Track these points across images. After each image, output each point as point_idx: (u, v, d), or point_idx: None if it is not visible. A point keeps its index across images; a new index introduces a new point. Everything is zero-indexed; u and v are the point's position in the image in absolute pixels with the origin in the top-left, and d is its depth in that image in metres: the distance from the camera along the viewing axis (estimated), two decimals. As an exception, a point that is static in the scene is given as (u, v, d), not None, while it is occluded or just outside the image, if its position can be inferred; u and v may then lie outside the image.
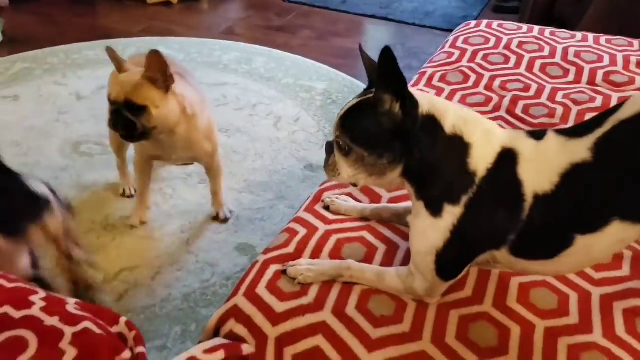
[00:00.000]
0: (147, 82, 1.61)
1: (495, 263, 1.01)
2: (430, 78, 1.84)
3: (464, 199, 0.93)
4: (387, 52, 0.87)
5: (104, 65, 3.08)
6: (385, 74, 0.90)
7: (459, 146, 0.94)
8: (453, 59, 1.95)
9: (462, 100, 1.71)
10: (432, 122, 0.94)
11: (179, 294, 1.79)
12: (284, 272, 1.10)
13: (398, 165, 0.96)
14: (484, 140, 0.95)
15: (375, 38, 3.68)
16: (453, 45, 2.06)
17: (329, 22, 3.83)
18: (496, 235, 0.95)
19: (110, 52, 1.67)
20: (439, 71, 1.88)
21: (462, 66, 1.90)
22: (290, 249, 1.16)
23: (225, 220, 2.09)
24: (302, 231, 1.21)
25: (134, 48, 3.28)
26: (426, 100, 0.96)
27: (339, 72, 3.11)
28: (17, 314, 0.96)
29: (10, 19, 3.49)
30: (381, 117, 0.93)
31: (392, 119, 0.93)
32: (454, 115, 0.95)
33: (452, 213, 0.94)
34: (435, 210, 0.96)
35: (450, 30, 3.76)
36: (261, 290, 1.07)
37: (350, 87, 2.96)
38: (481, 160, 0.93)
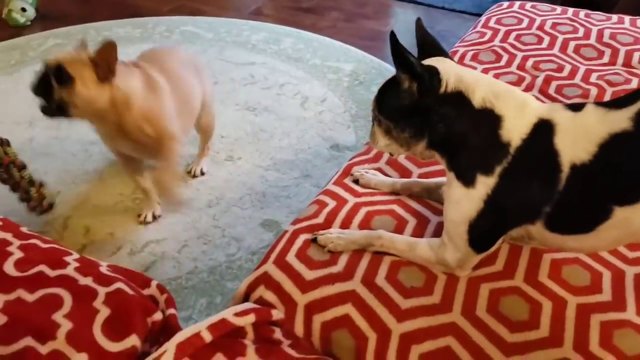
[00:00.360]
0: (89, 62, 1.59)
1: (530, 239, 1.00)
2: (462, 57, 1.82)
3: (498, 170, 0.94)
4: (392, 38, 0.93)
5: (133, 42, 3.12)
6: (396, 57, 0.95)
7: (490, 118, 0.95)
8: (485, 38, 1.93)
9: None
10: (458, 97, 0.96)
11: (205, 267, 1.81)
12: (314, 240, 1.11)
13: (422, 139, 1.00)
14: (518, 111, 0.95)
15: (404, 21, 3.64)
16: (485, 25, 2.03)
17: (357, 4, 3.80)
18: (531, 207, 0.94)
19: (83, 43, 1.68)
20: (470, 50, 1.86)
21: (495, 46, 1.87)
22: (320, 219, 1.17)
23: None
24: (332, 203, 1.21)
25: (163, 26, 3.30)
26: (454, 75, 0.97)
27: (366, 54, 3.08)
28: (52, 273, 0.98)
29: (43, -5, 3.53)
30: (401, 94, 0.98)
31: (410, 96, 0.97)
32: (484, 89, 0.96)
33: (485, 183, 0.94)
34: (467, 180, 0.96)
35: (480, 15, 3.74)
36: (291, 258, 1.08)
37: (378, 69, 2.94)
38: (515, 131, 0.94)
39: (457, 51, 1.86)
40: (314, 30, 3.34)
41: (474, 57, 1.80)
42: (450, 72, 0.98)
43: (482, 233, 0.98)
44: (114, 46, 1.58)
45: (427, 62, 1.03)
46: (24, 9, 3.23)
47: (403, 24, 3.55)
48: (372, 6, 3.77)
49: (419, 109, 0.98)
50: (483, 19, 2.10)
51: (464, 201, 0.97)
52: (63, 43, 3.08)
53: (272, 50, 3.10)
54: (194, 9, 3.58)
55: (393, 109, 1.02)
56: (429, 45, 1.09)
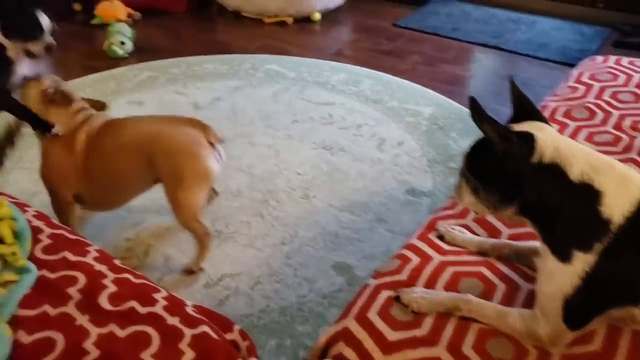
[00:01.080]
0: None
1: (633, 322, 0.94)
2: (553, 112, 1.77)
3: (598, 247, 0.90)
4: (472, 103, 0.95)
5: (221, 78, 3.25)
6: (480, 123, 0.95)
7: (588, 194, 0.92)
8: (578, 94, 1.87)
9: (589, 139, 1.63)
10: (554, 169, 0.94)
11: (276, 307, 1.81)
12: (397, 298, 1.09)
13: (510, 205, 0.98)
14: (619, 187, 0.92)
15: (485, 66, 3.60)
16: (578, 80, 1.97)
17: (438, 48, 3.80)
18: (635, 290, 0.89)
19: None
20: (562, 105, 1.80)
21: (588, 102, 1.81)
22: (403, 276, 1.15)
23: None
24: (415, 259, 1.19)
25: (249, 64, 3.42)
26: (551, 146, 0.95)
27: (446, 99, 3.06)
28: (142, 310, 1.01)
29: (141, 30, 3.75)
30: (491, 156, 0.97)
31: (501, 161, 0.96)
32: (582, 162, 0.94)
33: (583, 260, 0.91)
34: (563, 255, 0.93)
35: (566, 64, 3.64)
36: (372, 315, 1.06)
37: (457, 114, 2.91)
38: (616, 208, 0.91)
39: (547, 105, 1.82)
40: (393, 73, 3.36)
41: (566, 114, 1.75)
42: (548, 141, 0.96)
43: (577, 310, 0.94)
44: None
45: (524, 126, 1.01)
46: (123, 43, 3.45)
47: (484, 69, 3.52)
48: (453, 51, 3.76)
49: (509, 175, 0.96)
50: (575, 73, 2.04)
51: (559, 275, 0.93)
52: (156, 75, 3.25)
53: (351, 91, 3.14)
54: (279, 49, 3.70)
55: (482, 170, 1.01)
56: (525, 107, 1.08)
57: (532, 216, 0.99)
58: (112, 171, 1.85)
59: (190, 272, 1.94)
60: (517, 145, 0.94)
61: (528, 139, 0.96)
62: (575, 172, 0.93)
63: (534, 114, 1.06)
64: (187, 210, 1.84)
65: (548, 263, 0.96)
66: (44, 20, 2.16)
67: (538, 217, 0.97)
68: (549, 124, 1.05)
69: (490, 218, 1.31)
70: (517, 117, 1.07)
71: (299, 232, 2.13)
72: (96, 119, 1.88)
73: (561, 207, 0.94)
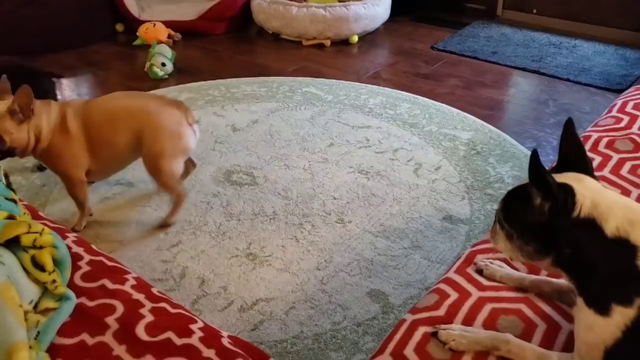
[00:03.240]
0: (7, 114, 1.90)
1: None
2: (596, 143, 1.73)
3: (638, 302, 0.89)
4: (533, 156, 0.93)
5: (259, 100, 3.30)
6: (533, 174, 0.95)
7: (624, 249, 0.92)
8: (622, 124, 1.82)
9: (632, 171, 1.58)
10: (591, 224, 0.93)
11: (310, 333, 1.80)
12: (434, 334, 1.07)
13: (546, 256, 0.99)
14: None
15: (525, 91, 3.55)
16: (621, 110, 1.92)
17: (477, 72, 3.77)
18: None
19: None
20: (605, 136, 1.76)
21: (633, 133, 1.76)
22: (441, 312, 1.13)
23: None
24: (453, 294, 1.17)
25: (286, 86, 3.46)
26: (590, 199, 0.95)
27: (485, 123, 3.03)
28: (178, 341, 1.02)
29: (180, 51, 3.85)
30: (531, 209, 0.96)
31: (540, 214, 0.95)
32: (619, 216, 0.93)
33: (623, 314, 0.90)
34: (601, 309, 0.92)
35: (608, 89, 3.57)
36: (409, 352, 1.05)
37: (496, 139, 2.87)
38: None
39: (590, 136, 1.77)
40: (431, 97, 3.35)
41: (609, 145, 1.71)
42: (587, 194, 0.95)
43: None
44: (28, 91, 1.90)
45: (564, 177, 0.99)
46: (163, 64, 3.53)
47: (523, 94, 3.47)
48: (492, 75, 3.73)
49: (547, 228, 0.96)
50: (619, 102, 1.99)
51: (598, 328, 0.92)
52: (195, 97, 3.32)
53: (388, 114, 3.14)
54: (316, 71, 3.73)
55: (519, 220, 1.01)
56: (574, 153, 1.05)
57: (567, 269, 0.98)
58: (108, 140, 2.12)
59: (165, 226, 2.27)
60: (562, 201, 0.94)
61: (568, 192, 0.95)
62: (611, 227, 0.92)
63: (580, 162, 1.04)
64: (169, 176, 2.19)
65: (585, 315, 0.94)
66: (56, 84, 2.62)
67: (574, 270, 0.97)
68: (594, 176, 1.03)
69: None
70: (564, 162, 1.05)
71: (334, 257, 2.12)
72: (69, 104, 2.14)
73: (597, 263, 0.93)
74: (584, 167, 1.04)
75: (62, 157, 2.10)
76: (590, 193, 0.96)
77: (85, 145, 2.09)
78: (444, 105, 3.24)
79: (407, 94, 3.39)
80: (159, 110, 2.14)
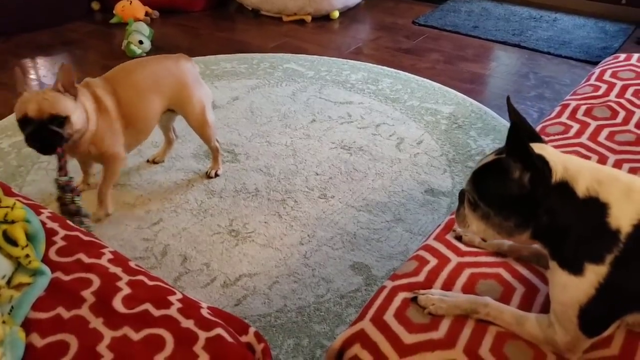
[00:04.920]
0: (60, 94, 1.80)
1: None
2: (574, 111, 1.73)
3: (609, 258, 0.91)
4: (514, 128, 0.93)
5: (239, 77, 3.26)
6: (515, 146, 0.94)
7: (595, 207, 0.93)
8: (600, 92, 1.83)
9: (610, 137, 1.59)
10: (564, 188, 0.94)
11: (294, 306, 1.81)
12: (414, 299, 1.07)
13: (525, 229, 0.98)
14: (625, 197, 0.93)
15: (506, 64, 3.55)
16: (599, 78, 1.93)
17: (458, 46, 3.76)
18: None
19: (19, 72, 1.85)
20: (583, 104, 1.76)
21: (610, 101, 1.77)
22: (420, 277, 1.13)
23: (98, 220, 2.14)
24: (433, 260, 1.17)
25: (267, 63, 3.42)
26: (560, 165, 0.96)
27: (466, 97, 3.03)
28: (156, 312, 1.01)
29: (158, 29, 3.78)
30: (510, 182, 0.95)
31: (520, 187, 0.95)
32: (588, 178, 0.94)
33: (595, 272, 0.91)
34: (574, 269, 0.93)
35: (588, 62, 3.58)
36: (389, 317, 1.05)
37: (477, 112, 2.87)
38: (624, 218, 0.91)
39: (569, 104, 1.78)
40: (413, 72, 3.33)
41: (587, 112, 1.71)
42: (557, 161, 0.96)
43: (594, 318, 0.94)
44: (70, 68, 1.82)
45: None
46: (141, 42, 3.47)
47: (505, 67, 3.46)
48: (473, 49, 3.72)
49: (527, 199, 0.95)
50: (597, 71, 1.99)
51: (573, 287, 0.93)
52: (173, 75, 3.26)
53: (370, 90, 3.12)
54: (297, 47, 3.69)
55: (497, 197, 0.99)
56: (525, 127, 1.06)
57: (544, 238, 0.98)
58: (142, 113, 2.11)
59: (213, 177, 2.38)
60: (543, 170, 0.94)
61: (543, 160, 0.96)
62: (581, 188, 0.94)
63: (533, 135, 1.06)
64: (211, 125, 2.30)
65: (559, 276, 0.95)
66: None
67: (550, 238, 0.97)
68: (548, 145, 1.04)
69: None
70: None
71: (317, 232, 2.12)
72: (91, 83, 2.05)
73: (571, 224, 0.94)
74: (537, 137, 1.05)
75: (109, 138, 2.02)
76: (559, 159, 0.97)
77: (121, 122, 2.04)
78: (425, 79, 3.23)
79: (388, 69, 3.37)
80: (180, 68, 2.18)
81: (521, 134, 0.93)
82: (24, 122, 1.79)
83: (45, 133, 1.78)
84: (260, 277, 1.92)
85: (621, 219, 0.91)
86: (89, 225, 1.95)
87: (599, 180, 0.94)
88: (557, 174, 0.94)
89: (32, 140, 1.80)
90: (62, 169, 1.88)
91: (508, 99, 1.09)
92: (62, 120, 1.79)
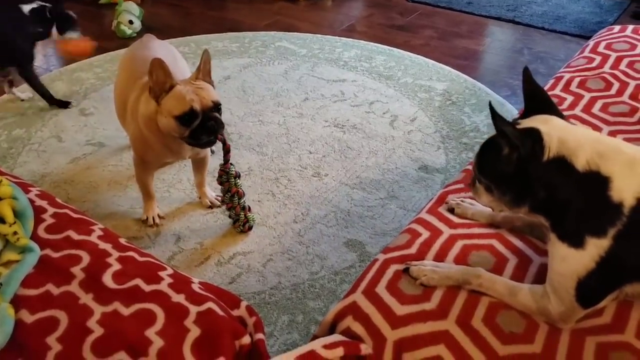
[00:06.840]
0: (206, 82, 1.79)
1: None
2: (568, 83, 1.72)
3: (611, 232, 0.90)
4: (491, 109, 0.93)
5: (231, 56, 3.22)
6: (495, 125, 0.94)
7: (597, 181, 0.92)
8: (594, 64, 1.81)
9: (604, 109, 1.58)
10: (562, 163, 0.93)
11: (288, 284, 1.80)
12: (406, 270, 1.07)
13: (523, 203, 0.98)
14: (628, 170, 0.92)
15: (500, 40, 3.52)
16: (594, 50, 1.91)
17: (452, 22, 3.72)
18: None
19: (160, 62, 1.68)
20: (577, 76, 1.75)
21: (604, 72, 1.75)
22: (412, 250, 1.13)
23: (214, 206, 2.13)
24: (425, 233, 1.17)
25: (259, 41, 3.38)
26: (557, 139, 0.94)
27: (460, 74, 3.01)
28: (147, 288, 1.00)
29: (148, 9, 3.73)
30: (501, 158, 0.96)
31: (509, 163, 0.95)
32: (588, 151, 0.93)
33: (597, 245, 0.91)
34: (575, 242, 0.93)
35: (583, 37, 3.55)
36: (381, 289, 1.04)
37: (471, 89, 2.85)
38: (627, 191, 0.90)
39: (562, 77, 1.76)
40: (406, 48, 3.31)
41: (581, 84, 1.70)
42: (553, 135, 0.95)
43: (591, 290, 0.93)
44: (209, 56, 1.81)
45: (531, 121, 0.99)
46: (131, 22, 3.43)
47: (499, 43, 3.44)
48: (467, 25, 3.68)
49: (519, 176, 0.96)
50: (591, 43, 1.98)
51: (573, 260, 0.92)
52: (164, 55, 3.22)
53: (363, 67, 3.09)
54: (289, 25, 3.65)
55: (492, 172, 1.01)
56: (538, 98, 1.05)
57: (544, 212, 0.98)
58: None
59: None
60: (530, 147, 0.93)
61: (535, 136, 0.95)
62: (581, 162, 0.92)
63: (547, 105, 1.04)
64: None
65: (559, 248, 0.95)
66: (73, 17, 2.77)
67: (550, 212, 0.97)
68: (563, 117, 1.03)
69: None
70: (530, 108, 1.05)
71: (310, 210, 2.11)
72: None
73: (571, 199, 0.93)
74: (550, 108, 1.04)
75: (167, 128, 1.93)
76: (558, 132, 0.95)
77: None
78: (419, 56, 3.21)
79: (382, 46, 3.34)
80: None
81: (497, 113, 0.93)
82: (191, 116, 1.70)
83: (212, 123, 1.73)
84: (255, 255, 1.91)
85: (624, 191, 0.90)
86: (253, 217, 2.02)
87: (601, 153, 0.92)
88: (552, 149, 0.93)
89: (204, 132, 1.73)
90: (229, 152, 1.88)
91: (526, 69, 1.08)
92: (220, 107, 1.76)
